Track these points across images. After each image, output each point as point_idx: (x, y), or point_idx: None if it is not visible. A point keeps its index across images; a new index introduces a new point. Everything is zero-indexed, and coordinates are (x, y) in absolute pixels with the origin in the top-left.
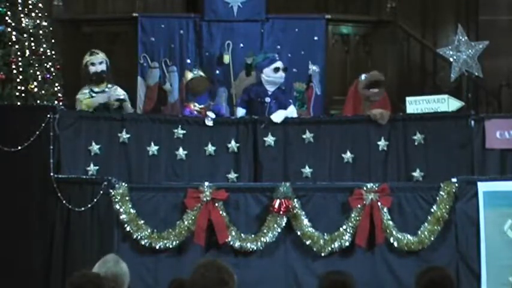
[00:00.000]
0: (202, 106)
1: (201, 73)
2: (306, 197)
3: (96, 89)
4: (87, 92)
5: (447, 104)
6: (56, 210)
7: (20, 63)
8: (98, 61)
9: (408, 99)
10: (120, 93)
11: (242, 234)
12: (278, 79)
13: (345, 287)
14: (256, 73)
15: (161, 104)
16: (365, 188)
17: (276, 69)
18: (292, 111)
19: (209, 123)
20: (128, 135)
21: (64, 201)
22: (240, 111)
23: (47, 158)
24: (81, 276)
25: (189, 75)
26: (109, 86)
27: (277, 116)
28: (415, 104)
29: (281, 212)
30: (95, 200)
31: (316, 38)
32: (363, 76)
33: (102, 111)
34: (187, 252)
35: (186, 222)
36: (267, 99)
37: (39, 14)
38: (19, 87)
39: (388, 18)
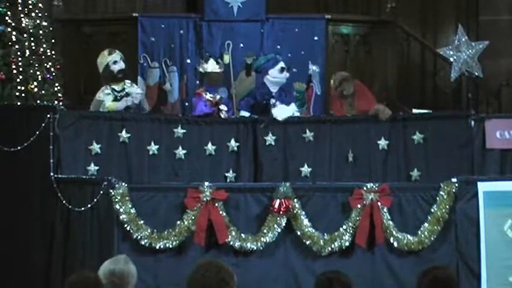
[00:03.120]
0: (212, 95)
1: (222, 67)
2: (306, 197)
3: (117, 88)
4: (111, 92)
5: None
6: (56, 210)
7: (20, 63)
8: (119, 58)
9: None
10: (138, 90)
11: (242, 234)
12: (283, 79)
13: (340, 280)
14: (257, 76)
15: (161, 104)
16: (365, 188)
17: (282, 69)
18: (294, 109)
19: (225, 115)
20: (128, 135)
21: (64, 201)
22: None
23: (47, 158)
24: (77, 277)
25: (215, 67)
26: (127, 83)
27: (280, 113)
28: None
29: (281, 212)
30: (95, 200)
31: (316, 38)
32: (331, 81)
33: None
34: (187, 252)
35: (186, 222)
36: (272, 101)
37: (39, 14)
38: (19, 87)
39: (388, 18)
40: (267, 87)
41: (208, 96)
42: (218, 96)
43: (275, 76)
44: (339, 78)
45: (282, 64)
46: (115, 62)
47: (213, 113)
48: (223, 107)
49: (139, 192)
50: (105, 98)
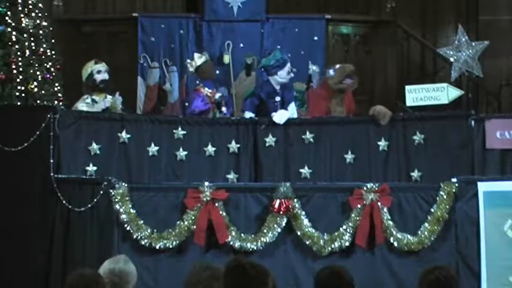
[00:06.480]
0: (211, 91)
1: (209, 58)
2: (306, 197)
3: (97, 98)
4: (90, 102)
5: (446, 92)
6: (56, 210)
7: (20, 63)
8: (104, 69)
9: (407, 88)
10: (119, 102)
11: (242, 234)
12: (288, 80)
13: (341, 277)
14: (258, 75)
15: (161, 104)
16: (365, 188)
17: (289, 71)
18: (292, 109)
19: (225, 109)
20: (128, 136)
21: (64, 201)
22: (249, 116)
23: (47, 158)
24: (79, 276)
25: (201, 60)
26: (108, 96)
27: (280, 117)
28: (415, 93)
29: (281, 212)
30: (95, 200)
31: (316, 38)
32: (331, 71)
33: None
34: (187, 252)
35: (186, 222)
36: (277, 98)
37: (39, 14)
38: (19, 87)
39: (388, 18)
40: (271, 85)
41: (207, 91)
42: (218, 94)
43: (284, 77)
44: (345, 72)
45: (289, 65)
46: (99, 72)
47: (208, 110)
48: (224, 110)
49: (139, 192)
50: (83, 108)
